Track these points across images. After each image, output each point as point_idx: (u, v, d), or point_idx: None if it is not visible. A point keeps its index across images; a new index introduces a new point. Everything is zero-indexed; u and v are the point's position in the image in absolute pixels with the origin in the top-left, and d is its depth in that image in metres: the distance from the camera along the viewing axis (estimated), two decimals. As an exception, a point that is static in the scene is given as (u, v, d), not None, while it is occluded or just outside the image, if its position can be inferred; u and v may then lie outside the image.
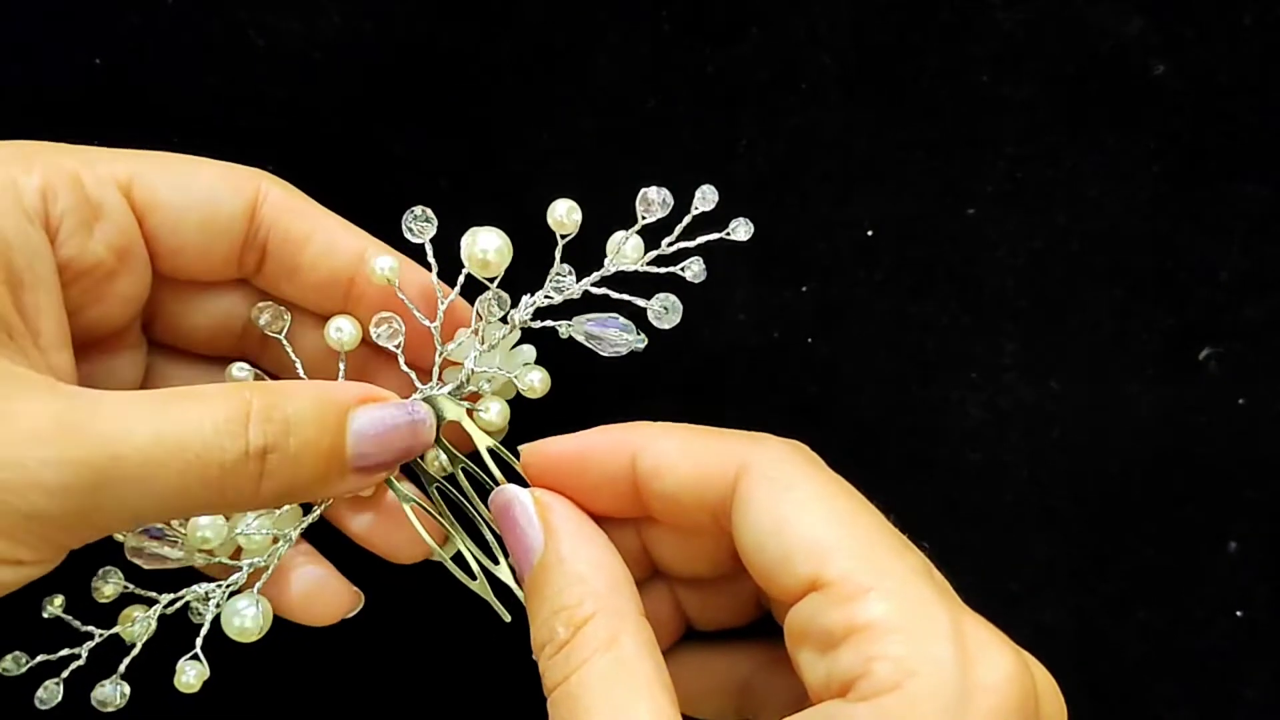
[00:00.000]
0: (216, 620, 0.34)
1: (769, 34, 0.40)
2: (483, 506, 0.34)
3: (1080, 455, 0.40)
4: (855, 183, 0.40)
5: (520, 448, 0.33)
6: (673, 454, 0.30)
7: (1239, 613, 0.40)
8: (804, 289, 0.40)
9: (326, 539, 0.36)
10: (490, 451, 0.33)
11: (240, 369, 0.35)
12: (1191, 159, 0.40)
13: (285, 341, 0.35)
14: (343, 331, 0.34)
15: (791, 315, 0.40)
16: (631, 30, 0.40)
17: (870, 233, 0.40)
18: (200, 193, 0.32)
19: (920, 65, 0.40)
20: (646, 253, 0.34)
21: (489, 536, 0.34)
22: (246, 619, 0.34)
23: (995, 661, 0.26)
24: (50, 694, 0.33)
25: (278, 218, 0.33)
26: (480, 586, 0.34)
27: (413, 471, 0.35)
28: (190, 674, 0.33)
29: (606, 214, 0.35)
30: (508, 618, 0.34)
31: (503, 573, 0.34)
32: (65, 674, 0.33)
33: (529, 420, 0.35)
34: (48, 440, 0.26)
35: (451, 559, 0.34)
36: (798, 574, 0.27)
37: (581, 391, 0.39)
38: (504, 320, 0.34)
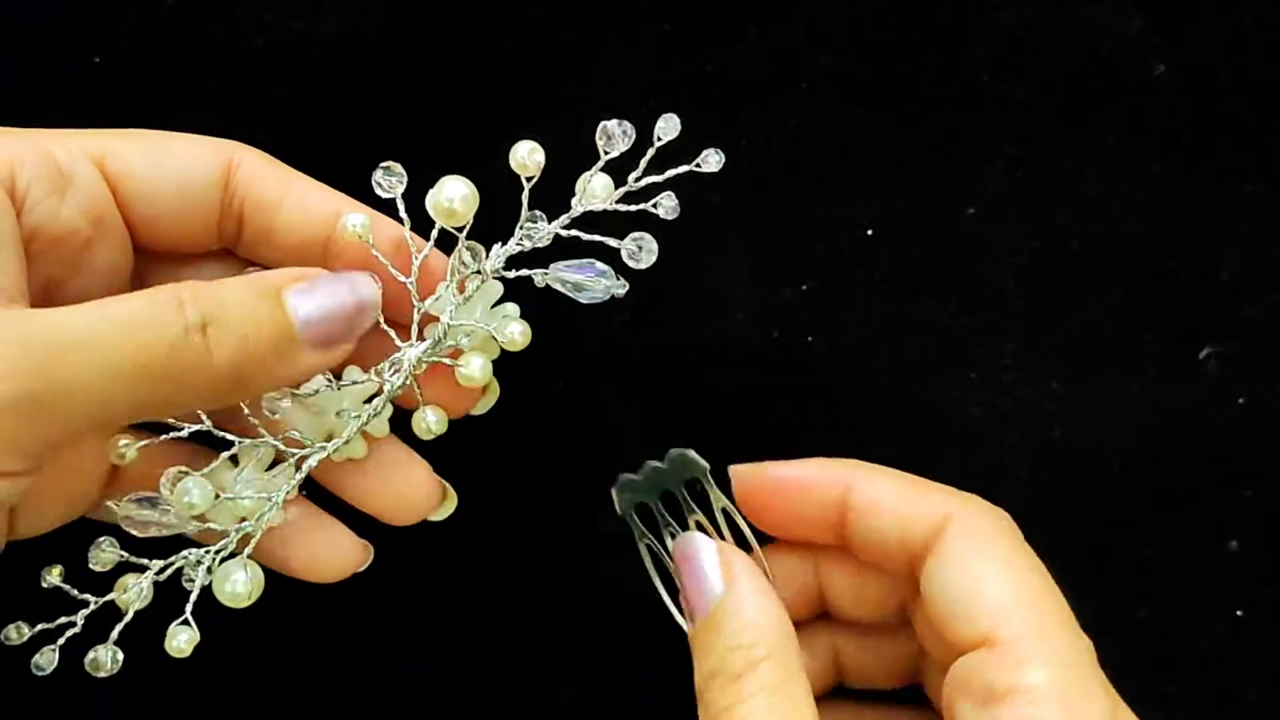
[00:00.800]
0: (211, 585, 0.34)
1: (769, 34, 0.40)
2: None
3: (1080, 455, 0.40)
4: (855, 183, 0.40)
5: (732, 469, 0.35)
6: (888, 495, 0.33)
7: (1239, 613, 0.40)
8: (804, 288, 0.40)
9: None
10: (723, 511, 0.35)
11: None
12: (1191, 159, 0.40)
13: None
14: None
15: (791, 315, 0.40)
16: (631, 30, 0.40)
17: (870, 232, 0.40)
18: (174, 161, 0.33)
19: (920, 65, 0.40)
20: (616, 190, 0.34)
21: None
22: (238, 584, 0.34)
23: None
24: (47, 660, 0.34)
25: (250, 183, 0.34)
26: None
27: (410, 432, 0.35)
28: (181, 638, 0.34)
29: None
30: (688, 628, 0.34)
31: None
32: (61, 641, 0.34)
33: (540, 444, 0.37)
34: None
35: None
36: (976, 627, 0.31)
37: (588, 392, 0.39)
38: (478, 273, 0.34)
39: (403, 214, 0.34)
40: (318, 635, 0.40)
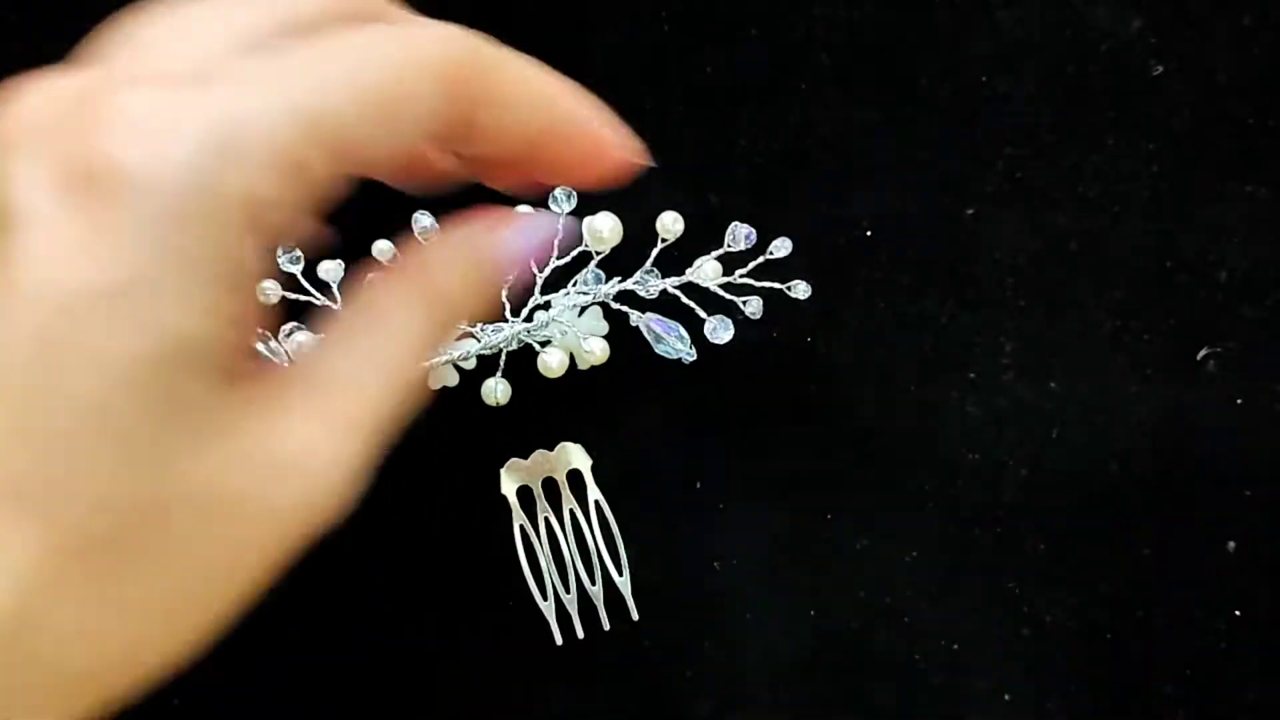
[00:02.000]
0: None
1: (768, 34, 0.40)
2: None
3: (1080, 455, 0.40)
4: (855, 182, 0.40)
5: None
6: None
7: (1239, 613, 0.40)
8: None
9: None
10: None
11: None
12: (1191, 159, 0.40)
13: None
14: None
15: (791, 315, 0.40)
16: (631, 30, 0.40)
17: (869, 232, 0.40)
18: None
19: (920, 65, 0.40)
20: (722, 276, 0.39)
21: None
22: None
23: None
24: None
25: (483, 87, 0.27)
26: (547, 606, 0.39)
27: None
28: None
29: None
30: (559, 640, 0.39)
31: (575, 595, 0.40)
32: None
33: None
34: None
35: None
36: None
37: (589, 383, 0.39)
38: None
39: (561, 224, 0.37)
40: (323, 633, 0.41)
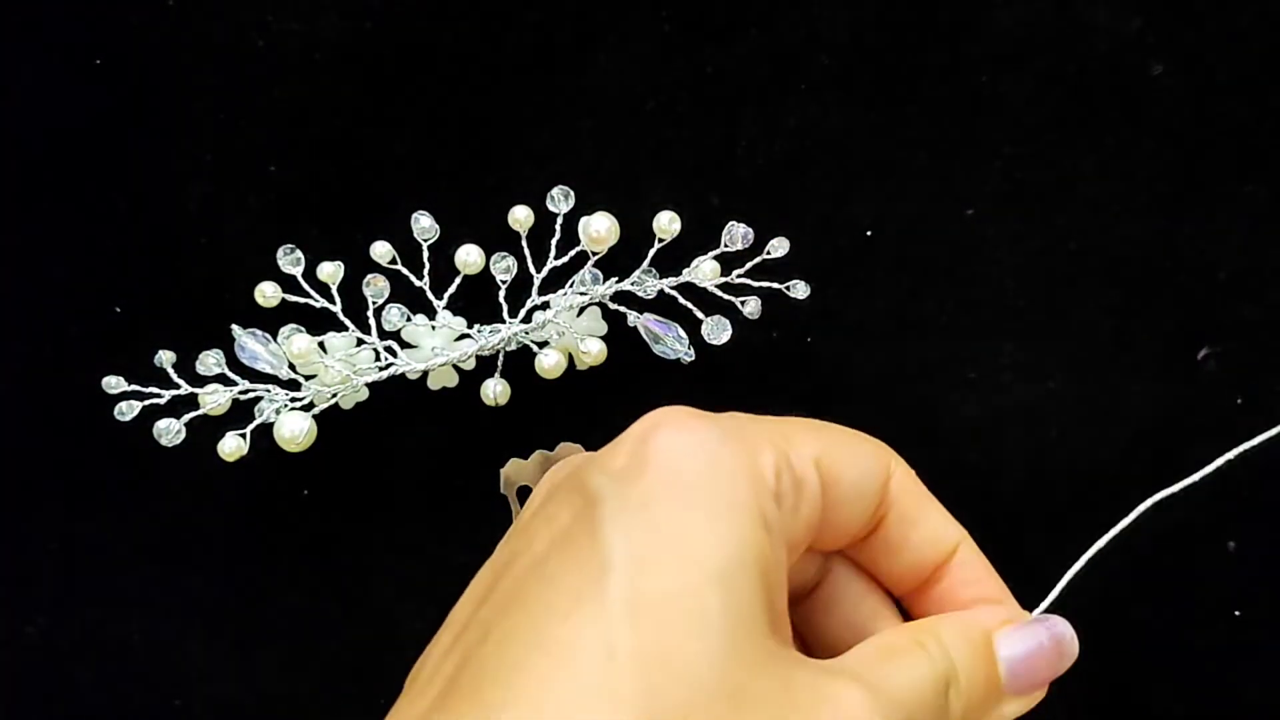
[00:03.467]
0: (275, 424, 0.38)
1: (769, 34, 0.40)
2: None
3: (1079, 455, 0.40)
4: (855, 183, 0.40)
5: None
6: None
7: (1238, 613, 0.40)
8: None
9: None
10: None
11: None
12: (1191, 159, 0.40)
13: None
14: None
15: (791, 315, 0.40)
16: (631, 30, 0.40)
17: (869, 233, 0.40)
18: (860, 464, 0.31)
19: (920, 65, 0.40)
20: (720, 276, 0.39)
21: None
22: (298, 430, 0.37)
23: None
24: (129, 407, 0.38)
25: (899, 495, 0.32)
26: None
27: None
28: (229, 443, 0.38)
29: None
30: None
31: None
32: (141, 405, 0.38)
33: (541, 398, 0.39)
34: None
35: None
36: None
37: (589, 383, 0.39)
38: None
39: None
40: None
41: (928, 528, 0.33)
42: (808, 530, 0.30)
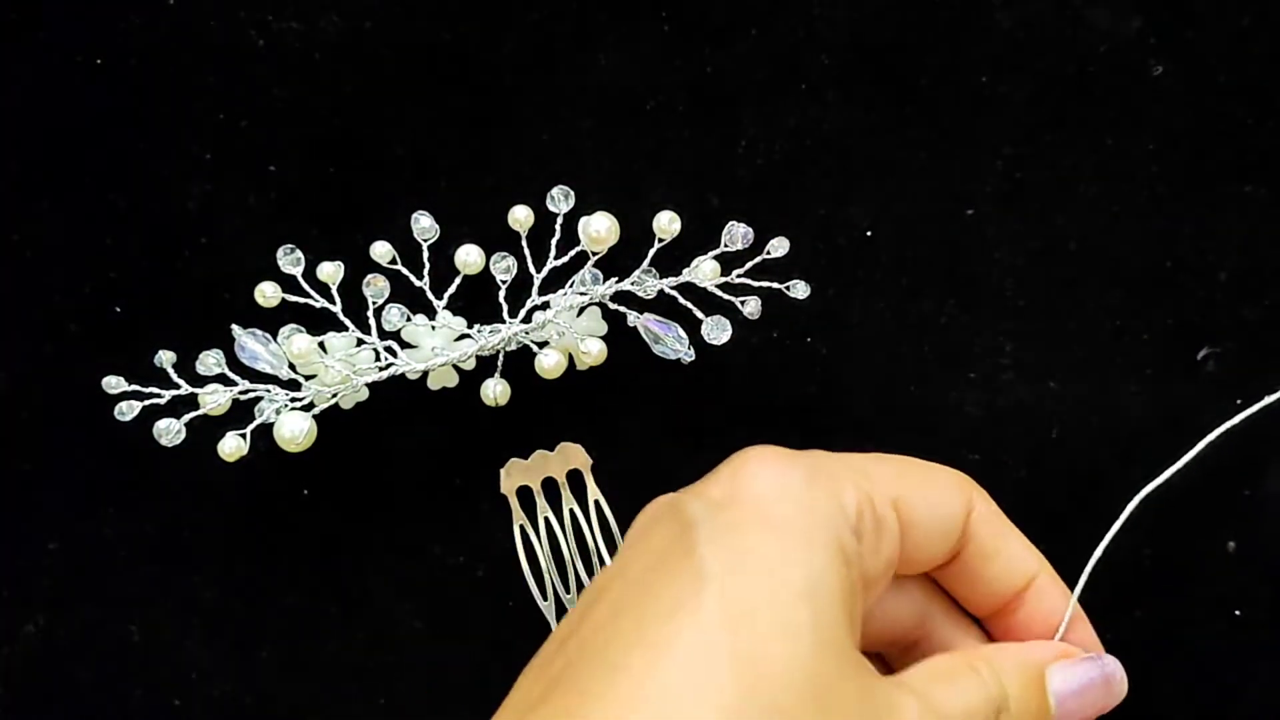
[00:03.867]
0: (275, 424, 0.38)
1: (769, 34, 0.40)
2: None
3: (1079, 455, 0.40)
4: (855, 183, 0.40)
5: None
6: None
7: (1238, 612, 0.40)
8: (803, 289, 0.40)
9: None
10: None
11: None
12: (1191, 159, 0.40)
13: None
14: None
15: (791, 315, 0.40)
16: (631, 30, 0.40)
17: (869, 233, 0.40)
18: (939, 501, 0.33)
19: (920, 65, 0.40)
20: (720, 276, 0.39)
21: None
22: (298, 430, 0.37)
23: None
24: (129, 408, 0.38)
25: (978, 527, 0.34)
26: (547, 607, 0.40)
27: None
28: (229, 444, 0.38)
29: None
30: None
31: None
32: (140, 406, 0.38)
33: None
34: None
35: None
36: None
37: (588, 383, 0.39)
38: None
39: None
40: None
41: (1005, 560, 0.34)
42: (888, 566, 0.32)
